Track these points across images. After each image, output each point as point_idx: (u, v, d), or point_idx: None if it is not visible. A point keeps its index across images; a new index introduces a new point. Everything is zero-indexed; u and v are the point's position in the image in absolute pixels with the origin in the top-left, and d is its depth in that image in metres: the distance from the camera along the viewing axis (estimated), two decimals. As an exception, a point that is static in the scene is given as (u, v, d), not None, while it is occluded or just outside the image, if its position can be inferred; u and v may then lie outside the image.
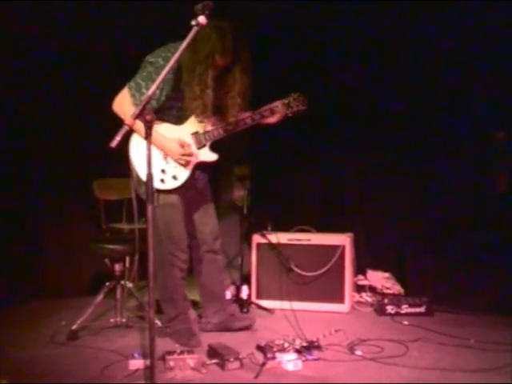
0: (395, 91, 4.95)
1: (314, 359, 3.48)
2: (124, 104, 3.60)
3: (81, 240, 4.73)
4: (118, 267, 4.16)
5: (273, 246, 4.75)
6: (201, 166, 3.87)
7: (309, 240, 4.77)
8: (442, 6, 4.49)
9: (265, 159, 5.75)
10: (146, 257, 2.76)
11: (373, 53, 5.02)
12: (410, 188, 4.94)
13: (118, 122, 3.76)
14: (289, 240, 4.78)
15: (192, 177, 3.82)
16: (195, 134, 3.81)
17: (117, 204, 4.58)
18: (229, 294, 4.90)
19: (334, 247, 4.67)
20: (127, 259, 4.52)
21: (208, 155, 3.84)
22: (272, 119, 3.89)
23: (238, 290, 4.77)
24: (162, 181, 3.71)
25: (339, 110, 5.19)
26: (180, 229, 3.84)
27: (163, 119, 3.73)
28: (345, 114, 5.18)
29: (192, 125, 3.79)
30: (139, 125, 2.95)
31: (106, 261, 4.31)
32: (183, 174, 3.77)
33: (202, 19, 2.73)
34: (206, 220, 4.05)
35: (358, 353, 3.58)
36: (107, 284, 4.13)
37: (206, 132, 3.81)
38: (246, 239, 4.95)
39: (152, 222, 2.73)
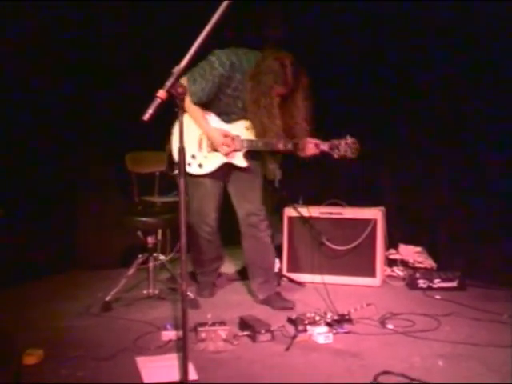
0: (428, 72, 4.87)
1: (345, 332, 3.49)
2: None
3: (114, 213, 4.78)
4: (150, 240, 4.20)
5: (304, 220, 4.74)
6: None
7: (340, 214, 4.75)
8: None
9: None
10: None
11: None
12: (444, 161, 4.87)
13: (150, 95, 3.80)
14: (320, 214, 4.77)
15: (219, 171, 3.99)
16: (237, 136, 3.93)
17: (149, 177, 4.60)
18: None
19: (366, 221, 4.65)
20: (159, 232, 4.55)
21: (239, 160, 3.99)
22: (302, 153, 3.95)
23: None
24: (189, 164, 3.94)
25: (373, 86, 5.12)
26: (205, 204, 4.10)
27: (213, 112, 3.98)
28: (378, 91, 5.10)
29: (237, 128, 3.95)
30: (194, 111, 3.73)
31: (139, 233, 4.36)
32: (209, 166, 3.98)
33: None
34: (247, 197, 4.12)
35: (390, 326, 3.59)
36: (140, 256, 4.18)
37: (246, 139, 3.92)
38: (278, 213, 4.94)
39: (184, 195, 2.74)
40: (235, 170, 4.05)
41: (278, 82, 3.72)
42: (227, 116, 3.97)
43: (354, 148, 3.88)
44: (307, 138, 3.90)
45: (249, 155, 4.01)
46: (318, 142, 3.91)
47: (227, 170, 4.04)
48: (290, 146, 3.89)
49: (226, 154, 3.93)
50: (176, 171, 3.87)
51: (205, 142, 3.94)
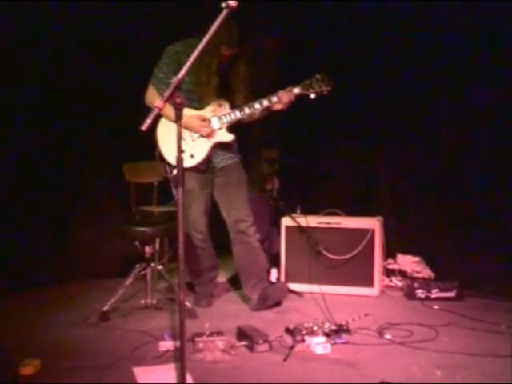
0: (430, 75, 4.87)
1: (343, 343, 3.48)
2: (154, 99, 3.93)
3: (112, 223, 4.78)
4: (148, 249, 4.19)
5: (302, 229, 4.74)
6: (221, 146, 4.14)
7: (338, 223, 4.75)
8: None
9: (294, 142, 5.73)
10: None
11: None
12: (440, 171, 4.87)
13: (148, 106, 3.89)
14: (318, 223, 4.77)
15: (209, 157, 4.09)
16: (213, 117, 4.06)
17: (147, 187, 4.61)
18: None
19: (364, 231, 4.65)
20: (157, 241, 4.55)
21: (225, 136, 4.09)
22: (279, 105, 4.03)
23: (267, 272, 4.77)
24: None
25: (370, 94, 5.12)
26: (194, 211, 4.20)
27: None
28: (375, 99, 5.11)
29: (210, 110, 4.08)
30: (167, 109, 3.52)
31: (137, 243, 4.36)
32: (201, 153, 4.05)
33: (232, 2, 2.71)
34: (234, 205, 4.23)
35: (388, 337, 3.58)
36: (137, 266, 4.17)
37: (223, 115, 4.05)
38: (275, 222, 4.94)
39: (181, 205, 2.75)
40: (221, 177, 4.20)
41: (223, 43, 3.86)
42: (198, 102, 4.06)
43: (327, 80, 3.97)
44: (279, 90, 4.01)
45: (239, 166, 4.23)
46: (289, 88, 4.01)
47: (216, 149, 4.11)
48: (265, 103, 4.00)
49: (209, 135, 4.03)
50: (174, 172, 3.93)
51: (187, 133, 3.98)
